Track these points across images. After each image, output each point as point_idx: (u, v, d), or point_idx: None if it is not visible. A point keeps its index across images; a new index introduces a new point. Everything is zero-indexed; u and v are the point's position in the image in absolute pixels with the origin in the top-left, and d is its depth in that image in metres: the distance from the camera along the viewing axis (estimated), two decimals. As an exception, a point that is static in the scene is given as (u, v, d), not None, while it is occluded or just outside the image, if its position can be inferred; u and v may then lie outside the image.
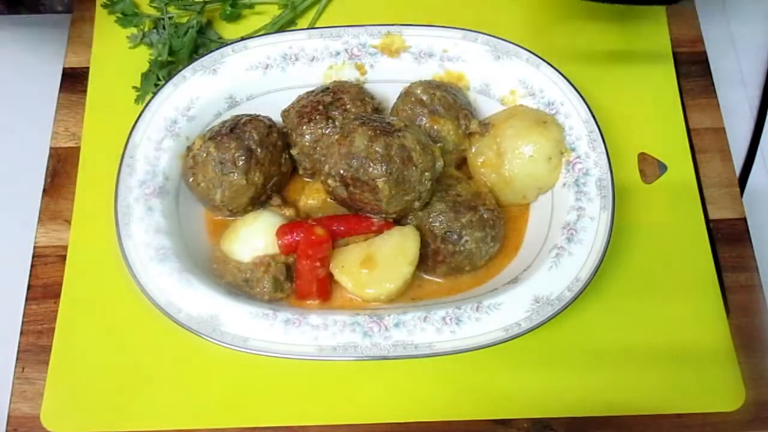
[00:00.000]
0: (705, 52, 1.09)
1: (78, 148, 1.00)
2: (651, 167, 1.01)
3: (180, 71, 0.94)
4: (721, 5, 1.27)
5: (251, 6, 1.09)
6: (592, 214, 0.88)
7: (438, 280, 0.92)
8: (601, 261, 0.85)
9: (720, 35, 1.25)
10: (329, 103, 0.92)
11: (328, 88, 0.94)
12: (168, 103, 0.93)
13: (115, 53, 1.06)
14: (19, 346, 0.91)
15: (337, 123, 0.90)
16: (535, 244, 0.92)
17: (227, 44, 0.97)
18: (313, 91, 0.95)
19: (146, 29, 1.05)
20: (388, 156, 0.82)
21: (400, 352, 0.82)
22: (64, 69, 1.06)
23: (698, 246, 0.96)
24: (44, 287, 0.93)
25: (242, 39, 0.98)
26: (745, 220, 0.99)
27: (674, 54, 1.08)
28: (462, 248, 0.87)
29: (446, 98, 0.93)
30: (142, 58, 1.04)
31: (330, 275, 0.88)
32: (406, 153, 0.82)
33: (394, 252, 0.86)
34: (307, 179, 0.97)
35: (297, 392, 0.88)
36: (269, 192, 0.93)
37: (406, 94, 0.94)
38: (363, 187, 0.83)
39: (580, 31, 1.08)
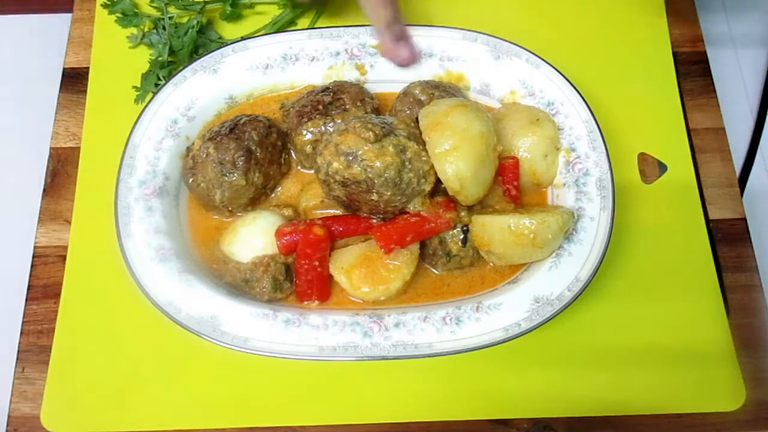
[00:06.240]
0: (705, 52, 1.09)
1: (78, 148, 1.00)
2: (651, 167, 1.01)
3: (180, 71, 0.94)
4: (721, 5, 1.27)
5: (251, 6, 1.09)
6: (592, 214, 0.88)
7: (436, 271, 0.91)
8: (601, 261, 0.86)
9: (720, 35, 1.25)
10: (329, 103, 0.92)
11: (328, 88, 0.94)
12: (168, 103, 0.93)
13: (115, 53, 1.06)
14: (19, 346, 0.91)
15: (336, 123, 0.90)
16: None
17: (227, 44, 0.97)
18: (313, 91, 0.95)
19: (146, 29, 1.05)
20: (386, 156, 0.82)
21: (400, 352, 0.82)
22: (64, 69, 1.06)
23: (698, 246, 0.96)
24: (44, 287, 0.93)
25: (242, 39, 0.98)
26: (745, 220, 0.99)
27: (674, 54, 1.08)
28: (460, 248, 0.88)
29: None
30: (142, 58, 1.04)
31: (329, 275, 0.88)
32: (405, 153, 0.82)
33: (394, 252, 0.86)
34: (307, 179, 0.97)
35: (297, 392, 0.88)
36: (269, 192, 0.93)
37: (405, 94, 0.94)
38: (361, 187, 0.83)
39: (581, 31, 1.08)
